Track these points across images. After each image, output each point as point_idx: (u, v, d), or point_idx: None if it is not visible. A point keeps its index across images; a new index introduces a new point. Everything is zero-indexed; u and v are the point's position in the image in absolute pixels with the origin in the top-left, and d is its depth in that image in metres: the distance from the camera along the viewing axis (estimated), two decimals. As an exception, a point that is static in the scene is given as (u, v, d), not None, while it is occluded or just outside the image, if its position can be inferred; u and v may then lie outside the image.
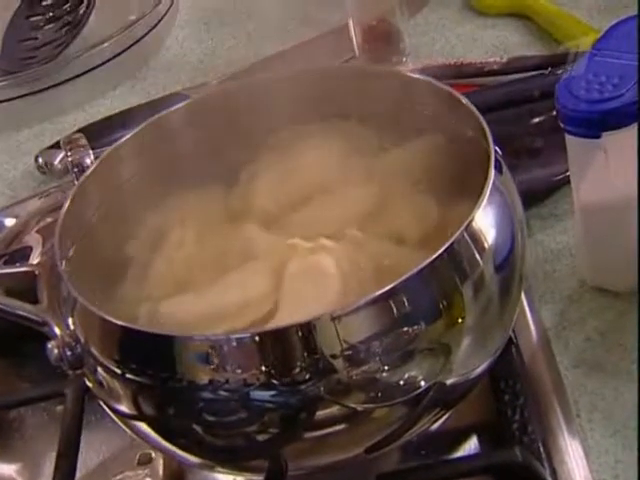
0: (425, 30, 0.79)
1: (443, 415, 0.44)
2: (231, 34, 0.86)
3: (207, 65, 0.81)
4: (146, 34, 0.82)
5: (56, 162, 0.72)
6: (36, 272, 0.46)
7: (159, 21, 0.83)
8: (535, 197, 0.58)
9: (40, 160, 0.72)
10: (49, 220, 0.62)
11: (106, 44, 0.79)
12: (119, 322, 0.40)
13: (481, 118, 0.44)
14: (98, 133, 0.70)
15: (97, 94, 0.80)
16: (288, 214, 0.48)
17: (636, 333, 0.48)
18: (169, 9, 0.85)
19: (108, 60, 0.80)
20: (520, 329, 0.50)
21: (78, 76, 0.79)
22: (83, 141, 0.70)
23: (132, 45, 0.81)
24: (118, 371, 0.41)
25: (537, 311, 0.52)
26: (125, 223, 0.49)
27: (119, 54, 0.80)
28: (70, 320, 0.43)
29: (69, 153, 0.69)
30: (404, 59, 0.74)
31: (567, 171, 0.55)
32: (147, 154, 0.51)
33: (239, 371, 0.38)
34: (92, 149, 0.70)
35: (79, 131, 0.72)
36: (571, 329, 0.51)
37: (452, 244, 0.40)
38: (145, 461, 0.50)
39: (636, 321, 0.48)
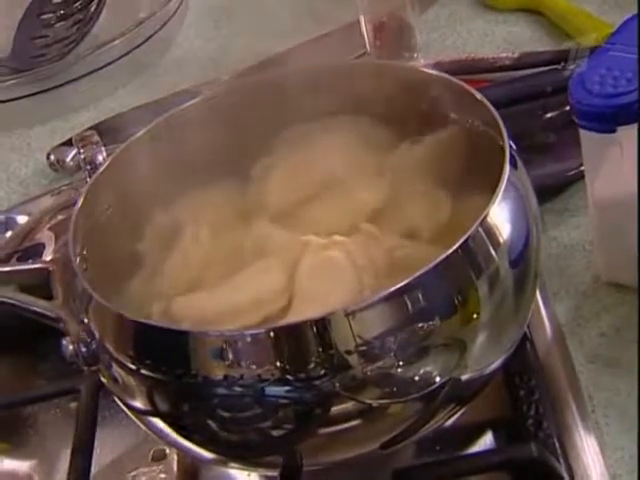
0: (436, 26, 0.79)
1: (458, 411, 0.44)
2: (241, 31, 0.86)
3: (217, 62, 0.81)
4: (156, 32, 0.82)
5: (68, 159, 0.72)
6: (50, 269, 0.46)
7: (169, 19, 0.83)
8: (549, 192, 0.58)
9: (52, 157, 0.73)
10: (61, 217, 0.62)
11: (117, 42, 0.79)
12: (134, 318, 0.40)
13: (495, 113, 0.44)
14: (110, 130, 0.70)
15: (108, 92, 0.80)
16: (301, 210, 0.48)
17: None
18: (179, 6, 0.85)
19: (119, 58, 0.80)
20: (535, 325, 0.50)
21: (89, 73, 0.79)
22: (95, 138, 0.70)
23: (143, 43, 0.81)
24: (133, 367, 0.41)
25: (552, 307, 0.52)
26: (138, 220, 0.49)
27: (130, 52, 0.80)
28: (85, 316, 0.43)
29: (81, 150, 0.69)
30: (415, 55, 0.74)
31: (581, 166, 0.54)
32: (160, 150, 0.51)
33: (254, 367, 0.38)
34: (104, 146, 0.70)
35: (91, 128, 0.73)
36: (586, 325, 0.51)
37: (467, 239, 0.40)
38: (159, 457, 0.50)
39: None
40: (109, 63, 0.80)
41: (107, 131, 0.71)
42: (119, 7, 0.86)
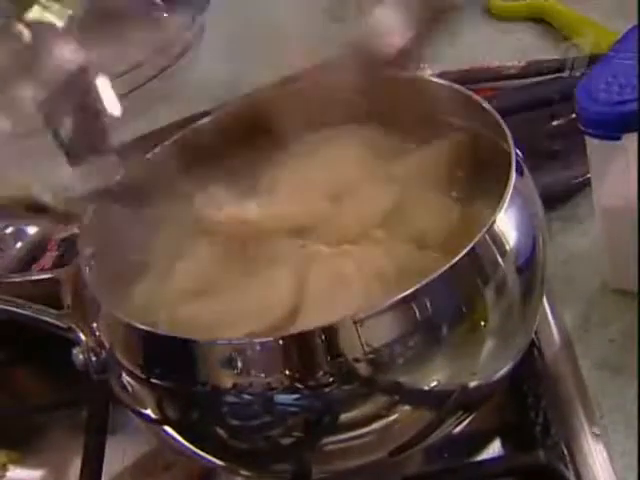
0: (443, 35, 0.80)
1: (466, 418, 0.44)
2: (256, 55, 0.86)
3: (233, 85, 0.82)
4: (175, 59, 0.82)
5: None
6: (60, 279, 0.46)
7: (188, 46, 0.84)
8: (556, 200, 0.58)
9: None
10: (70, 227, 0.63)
11: (137, 70, 0.80)
12: (143, 327, 0.40)
13: (501, 121, 0.44)
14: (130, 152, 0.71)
15: (128, 117, 0.80)
16: (310, 220, 0.48)
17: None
18: (197, 33, 0.85)
19: (140, 85, 0.81)
20: (542, 332, 0.50)
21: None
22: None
23: (161, 72, 0.81)
24: (142, 376, 0.41)
25: (559, 314, 0.52)
26: (147, 229, 0.50)
27: (150, 79, 0.81)
28: (95, 326, 0.43)
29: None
30: (422, 65, 0.74)
31: (587, 173, 0.55)
32: (170, 164, 0.51)
33: (263, 375, 0.39)
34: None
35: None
36: (593, 332, 0.51)
37: (474, 247, 0.40)
38: (168, 467, 0.50)
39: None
40: (130, 91, 0.80)
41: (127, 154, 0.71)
42: (138, 35, 0.87)
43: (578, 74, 0.64)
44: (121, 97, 0.76)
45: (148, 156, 0.51)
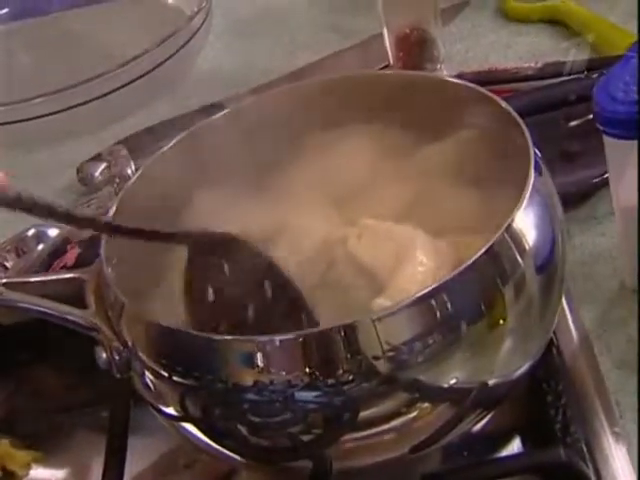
0: (459, 38, 0.80)
1: (486, 415, 0.44)
2: (264, 45, 0.87)
3: (242, 76, 0.82)
4: (181, 47, 0.83)
5: (97, 174, 0.73)
6: (83, 278, 0.47)
7: (194, 34, 0.84)
8: (574, 200, 0.58)
9: (81, 172, 0.74)
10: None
11: (142, 58, 0.80)
12: (165, 325, 0.41)
13: (520, 120, 0.45)
14: (138, 144, 0.71)
15: (135, 107, 0.81)
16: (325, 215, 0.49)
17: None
18: (203, 22, 0.86)
19: (145, 74, 0.81)
20: (561, 331, 0.50)
21: (117, 89, 0.80)
22: (124, 152, 0.72)
23: (168, 59, 0.82)
24: (165, 374, 0.41)
25: (577, 313, 0.52)
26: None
27: (156, 68, 0.81)
28: (117, 325, 0.44)
29: (111, 164, 0.71)
30: (438, 66, 0.75)
31: (605, 174, 0.55)
32: (188, 162, 0.52)
33: (283, 372, 0.39)
34: (132, 160, 0.71)
35: (119, 143, 0.74)
36: (612, 331, 0.51)
37: (492, 245, 0.40)
38: (189, 465, 0.51)
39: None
40: (135, 79, 0.81)
41: (135, 145, 0.72)
42: (143, 23, 0.87)
43: (594, 75, 0.64)
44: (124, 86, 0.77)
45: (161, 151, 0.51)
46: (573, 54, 0.70)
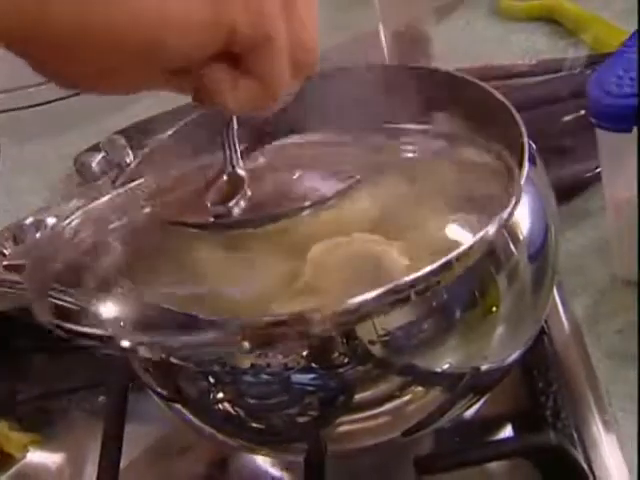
0: (453, 35, 0.81)
1: (478, 401, 0.45)
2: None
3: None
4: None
5: (94, 164, 0.73)
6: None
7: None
8: (566, 194, 0.59)
9: (79, 162, 0.74)
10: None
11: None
12: (162, 306, 0.41)
13: (514, 111, 0.45)
14: (137, 135, 0.72)
15: (134, 97, 0.81)
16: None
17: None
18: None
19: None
20: (552, 321, 0.51)
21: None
22: (122, 142, 0.72)
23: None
24: (162, 355, 0.42)
25: (569, 304, 0.53)
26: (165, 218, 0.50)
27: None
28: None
29: (108, 154, 0.71)
30: (433, 63, 0.75)
31: (597, 168, 0.56)
32: (185, 151, 0.52)
33: (280, 356, 0.40)
34: (131, 150, 0.72)
35: (117, 133, 0.74)
36: (603, 322, 0.52)
37: (487, 233, 0.40)
38: (184, 450, 0.51)
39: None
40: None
41: (133, 135, 0.72)
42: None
43: (588, 71, 0.65)
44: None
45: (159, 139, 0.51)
46: (572, 52, 0.71)
